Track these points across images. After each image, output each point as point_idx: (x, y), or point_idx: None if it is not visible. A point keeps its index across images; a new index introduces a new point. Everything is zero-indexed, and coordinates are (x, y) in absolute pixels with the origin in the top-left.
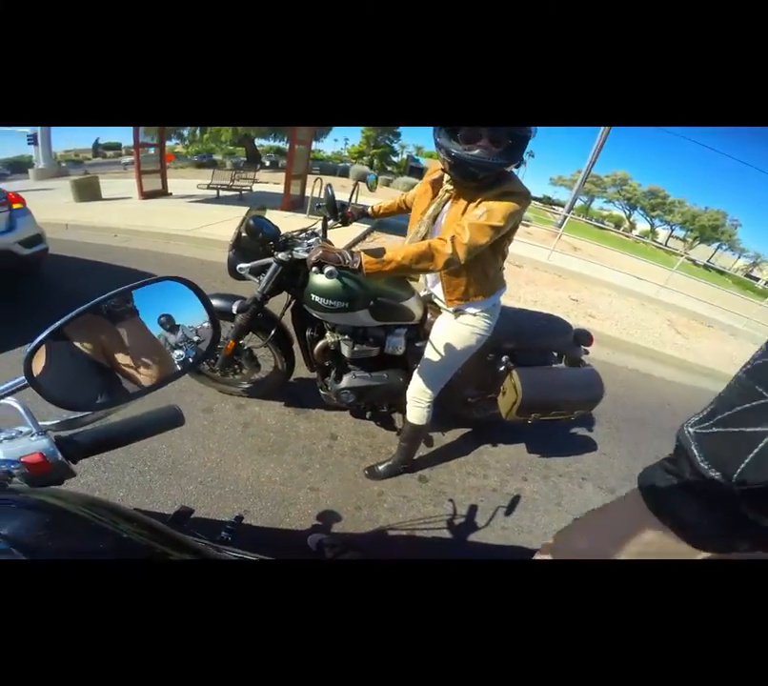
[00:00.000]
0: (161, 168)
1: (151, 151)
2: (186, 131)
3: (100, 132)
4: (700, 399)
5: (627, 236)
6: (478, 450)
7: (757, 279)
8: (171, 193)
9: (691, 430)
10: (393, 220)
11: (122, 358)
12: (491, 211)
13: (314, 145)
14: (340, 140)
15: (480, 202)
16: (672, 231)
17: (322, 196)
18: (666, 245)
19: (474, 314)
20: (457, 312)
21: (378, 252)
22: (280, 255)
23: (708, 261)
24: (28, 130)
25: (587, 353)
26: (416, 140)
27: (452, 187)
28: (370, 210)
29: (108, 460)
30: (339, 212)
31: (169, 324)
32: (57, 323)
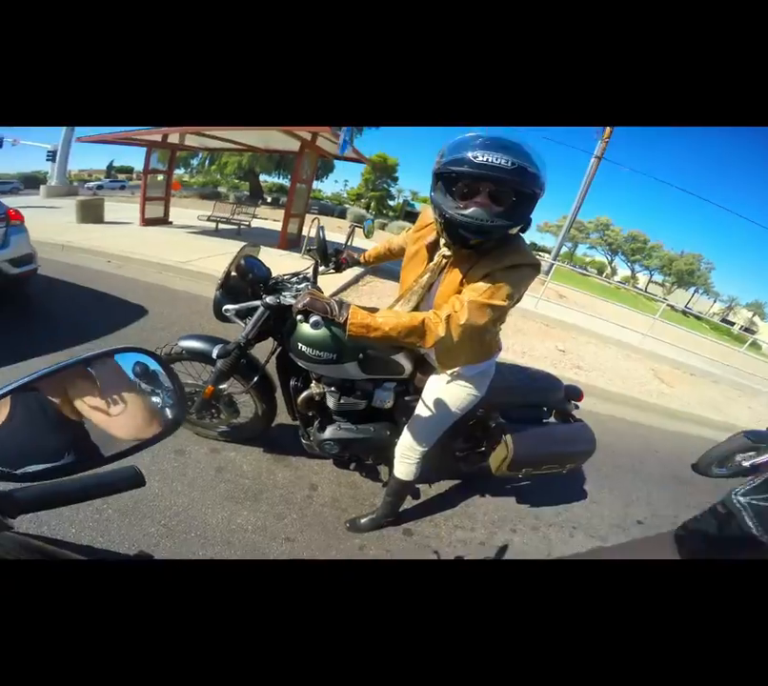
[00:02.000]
0: (165, 195)
1: (160, 177)
2: (195, 161)
3: (114, 154)
4: (688, 445)
5: (609, 283)
6: (466, 502)
7: (733, 324)
8: (171, 222)
9: (742, 499)
10: (386, 264)
11: (98, 416)
12: (495, 288)
13: (315, 184)
14: (340, 181)
15: (484, 276)
16: (651, 276)
17: (315, 240)
18: (646, 290)
19: (470, 377)
20: (452, 375)
21: (368, 313)
22: (268, 299)
23: (686, 306)
24: (49, 145)
25: (577, 407)
26: (413, 185)
27: (449, 252)
28: (361, 257)
29: None
30: (333, 258)
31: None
32: (29, 377)
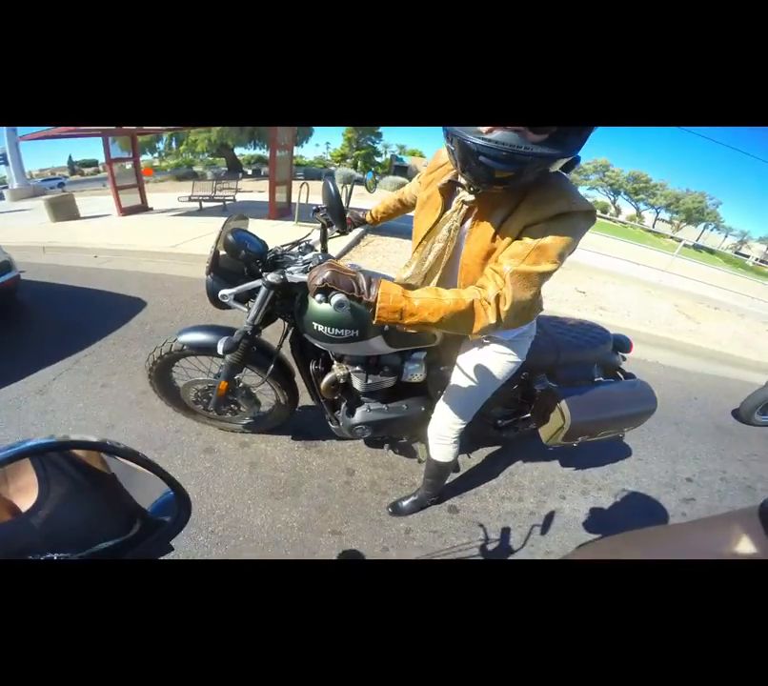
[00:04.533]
0: (138, 182)
1: (128, 166)
2: (161, 144)
3: (71, 149)
4: (724, 388)
5: (614, 222)
6: (509, 470)
7: (747, 256)
8: (151, 208)
9: None
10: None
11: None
12: (540, 247)
13: (295, 150)
14: (322, 144)
15: (523, 230)
16: (657, 214)
17: (322, 197)
18: (654, 227)
19: (509, 341)
20: (487, 340)
21: (402, 292)
22: (270, 277)
23: (696, 242)
24: None
25: (624, 360)
26: (398, 139)
27: (471, 198)
28: (368, 215)
29: None
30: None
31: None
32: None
